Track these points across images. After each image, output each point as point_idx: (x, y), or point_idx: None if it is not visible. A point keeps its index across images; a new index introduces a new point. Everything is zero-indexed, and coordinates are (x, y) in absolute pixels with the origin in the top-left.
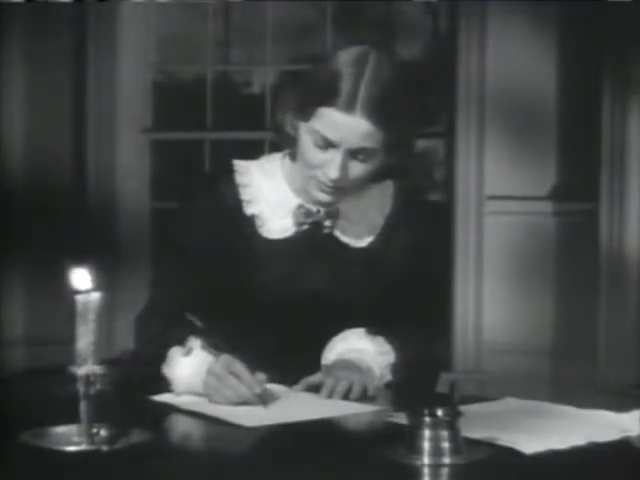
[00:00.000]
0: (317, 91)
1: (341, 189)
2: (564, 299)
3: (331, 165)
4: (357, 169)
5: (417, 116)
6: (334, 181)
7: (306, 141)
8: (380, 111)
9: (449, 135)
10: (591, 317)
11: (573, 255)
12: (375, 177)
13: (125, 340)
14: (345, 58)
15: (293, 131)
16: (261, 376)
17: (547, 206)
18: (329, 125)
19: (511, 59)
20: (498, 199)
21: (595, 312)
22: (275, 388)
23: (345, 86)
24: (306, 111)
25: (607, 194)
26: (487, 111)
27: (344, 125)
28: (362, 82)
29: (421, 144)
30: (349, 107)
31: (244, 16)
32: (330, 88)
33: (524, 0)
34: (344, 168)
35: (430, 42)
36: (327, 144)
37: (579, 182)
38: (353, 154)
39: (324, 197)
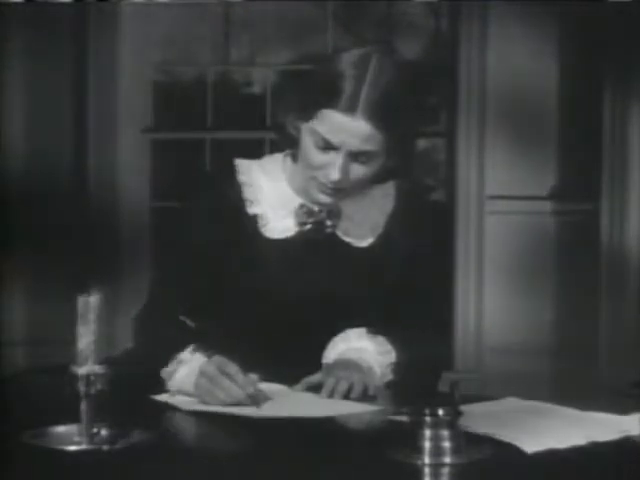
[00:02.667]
0: (319, 92)
1: (342, 191)
2: (564, 299)
3: (332, 167)
4: (358, 171)
5: (418, 118)
6: (335, 183)
7: (307, 142)
8: (382, 114)
9: (449, 135)
10: (591, 316)
11: (573, 255)
12: (376, 178)
13: (125, 340)
14: (347, 60)
15: (295, 132)
16: (254, 377)
17: (547, 206)
18: (330, 127)
19: (512, 59)
20: (498, 199)
21: (596, 311)
22: (275, 388)
23: (347, 88)
24: (308, 112)
25: (607, 194)
26: (488, 111)
27: (345, 127)
28: (364, 85)
29: (421, 144)
30: (350, 109)
31: (244, 16)
32: (332, 90)
33: (525, 0)
34: (345, 170)
35: (431, 42)
36: (328, 146)
37: (579, 182)
38: (354, 156)
39: (324, 198)
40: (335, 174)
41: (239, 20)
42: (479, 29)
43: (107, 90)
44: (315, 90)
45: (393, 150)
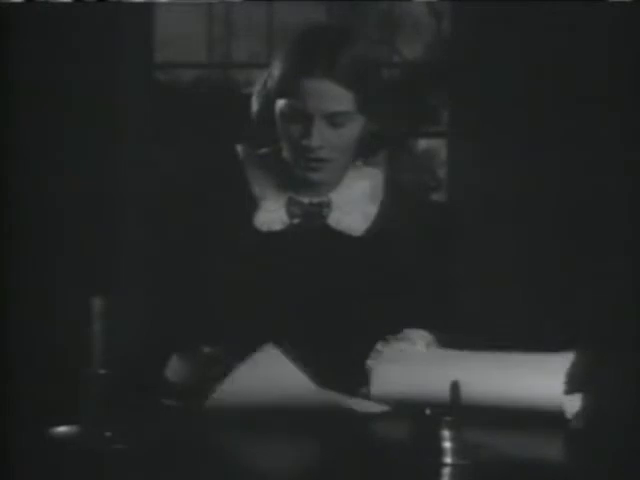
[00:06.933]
0: (288, 64)
1: (328, 162)
2: (566, 298)
3: (310, 135)
4: (337, 136)
5: (389, 77)
6: (316, 150)
7: (282, 121)
8: (345, 71)
9: (450, 135)
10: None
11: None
12: (364, 147)
13: (126, 341)
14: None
15: (271, 117)
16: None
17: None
18: (300, 94)
19: (512, 59)
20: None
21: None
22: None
23: (307, 53)
24: (284, 88)
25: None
26: (488, 111)
27: (314, 91)
28: (322, 46)
29: (422, 144)
30: (316, 72)
31: (244, 16)
32: (297, 57)
33: (526, 0)
34: (322, 135)
35: (431, 41)
36: (302, 114)
37: (580, 182)
38: (329, 119)
39: (315, 176)
40: (314, 140)
41: (239, 20)
42: (480, 29)
43: (107, 90)
44: (285, 64)
45: (371, 110)
